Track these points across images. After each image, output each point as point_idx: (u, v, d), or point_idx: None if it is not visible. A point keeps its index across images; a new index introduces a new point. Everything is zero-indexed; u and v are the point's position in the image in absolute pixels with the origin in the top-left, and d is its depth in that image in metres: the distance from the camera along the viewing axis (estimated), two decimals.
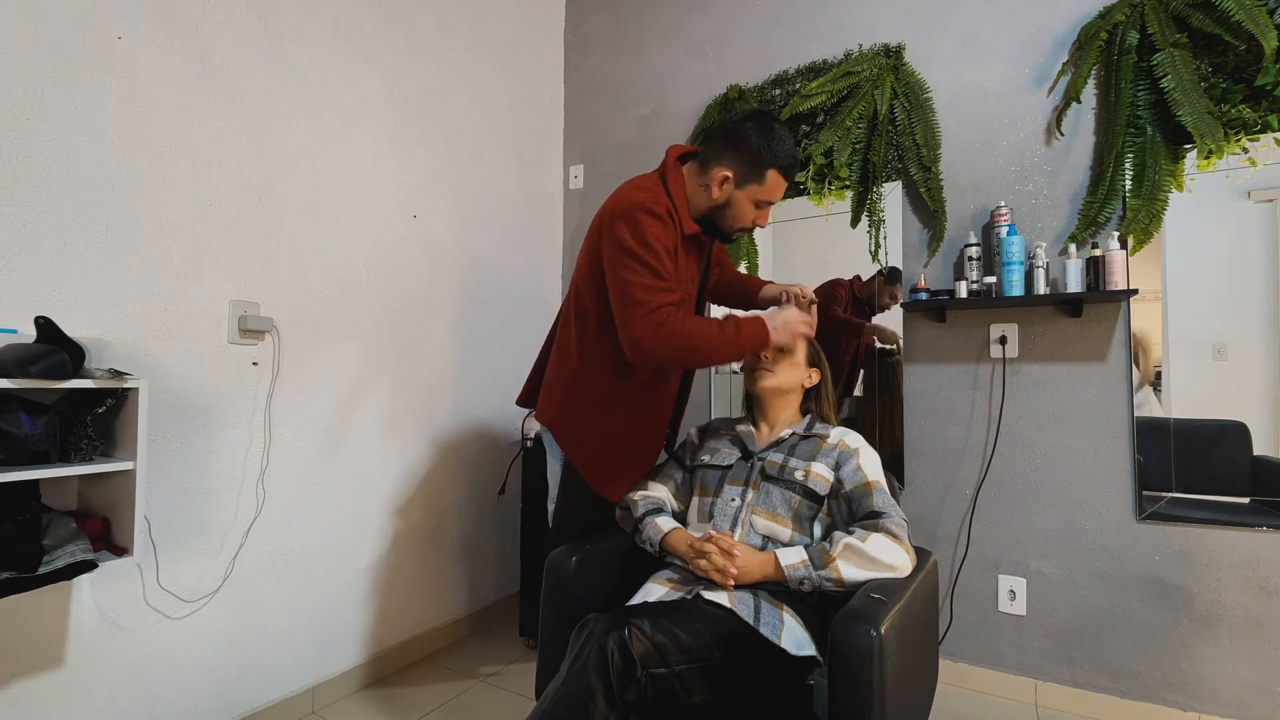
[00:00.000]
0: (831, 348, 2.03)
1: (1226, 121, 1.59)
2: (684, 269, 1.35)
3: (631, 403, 1.42)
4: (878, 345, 2.06)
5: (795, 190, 2.20)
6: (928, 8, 2.02)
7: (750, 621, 1.10)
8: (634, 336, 1.23)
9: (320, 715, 1.74)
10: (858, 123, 2.05)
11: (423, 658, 2.10)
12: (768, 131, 1.28)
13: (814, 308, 1.45)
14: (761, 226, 1.40)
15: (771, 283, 1.61)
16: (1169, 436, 1.69)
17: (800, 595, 1.19)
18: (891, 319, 2.04)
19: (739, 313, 1.41)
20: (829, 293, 2.14)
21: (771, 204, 1.36)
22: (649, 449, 1.49)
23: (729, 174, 1.31)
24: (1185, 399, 1.68)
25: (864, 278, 2.08)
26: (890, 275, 2.03)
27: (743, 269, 2.28)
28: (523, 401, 1.60)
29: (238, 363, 1.59)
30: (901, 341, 2.03)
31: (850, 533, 1.18)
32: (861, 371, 2.09)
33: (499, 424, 2.41)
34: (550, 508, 1.55)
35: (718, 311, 1.78)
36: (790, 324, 1.33)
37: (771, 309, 1.40)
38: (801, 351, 1.42)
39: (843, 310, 2.11)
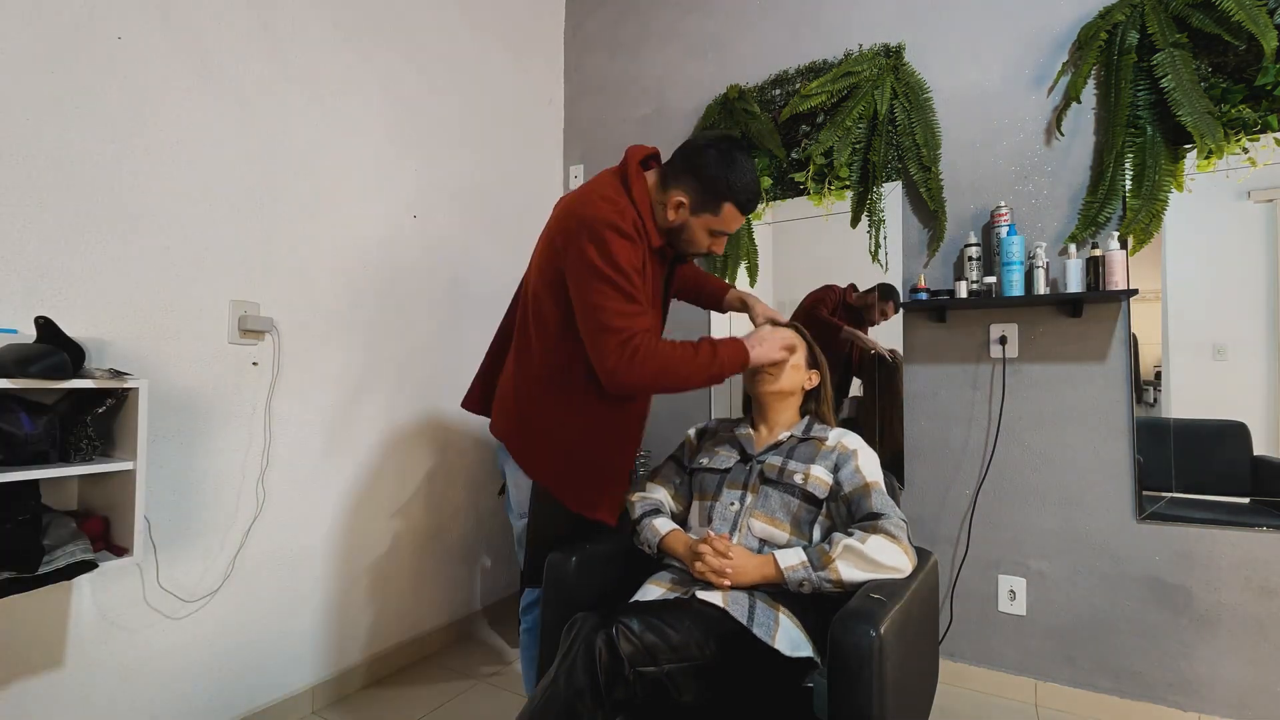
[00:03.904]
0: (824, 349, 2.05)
1: (1226, 121, 1.59)
2: (651, 283, 1.29)
3: (601, 415, 1.32)
4: (875, 353, 2.06)
5: (795, 190, 2.20)
6: (928, 8, 2.02)
7: (744, 622, 1.09)
8: (608, 366, 1.18)
9: (320, 715, 1.74)
10: (858, 123, 2.05)
11: (423, 658, 2.10)
12: (728, 162, 1.23)
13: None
14: (716, 254, 1.36)
15: (733, 288, 1.57)
16: (1169, 436, 1.69)
17: (799, 596, 1.18)
18: (885, 331, 2.04)
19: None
20: (817, 296, 2.14)
21: (727, 235, 1.31)
22: (625, 461, 1.41)
23: (684, 200, 1.26)
24: (1185, 399, 1.68)
25: (859, 287, 2.08)
26: (885, 291, 2.03)
27: (742, 268, 2.28)
28: (471, 406, 1.50)
29: (238, 363, 1.59)
30: (898, 349, 2.03)
31: (849, 534, 1.18)
32: (858, 378, 2.09)
33: None
34: (517, 524, 1.42)
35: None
36: (769, 348, 1.32)
37: (763, 330, 1.37)
38: (802, 354, 1.41)
39: (829, 313, 2.11)
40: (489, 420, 1.45)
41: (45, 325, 1.15)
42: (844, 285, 2.11)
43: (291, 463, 1.71)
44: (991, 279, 1.81)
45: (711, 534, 1.22)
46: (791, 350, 1.35)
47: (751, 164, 1.27)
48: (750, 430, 1.44)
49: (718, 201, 1.25)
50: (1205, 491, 1.66)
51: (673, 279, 1.46)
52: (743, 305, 1.53)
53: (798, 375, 1.40)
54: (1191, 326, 1.67)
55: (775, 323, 1.44)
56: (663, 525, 1.34)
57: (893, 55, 2.03)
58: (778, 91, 2.25)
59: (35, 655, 1.27)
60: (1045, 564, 1.83)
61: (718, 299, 1.59)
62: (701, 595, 1.15)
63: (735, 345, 1.27)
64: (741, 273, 2.29)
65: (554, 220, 1.31)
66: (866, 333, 2.06)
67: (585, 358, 1.24)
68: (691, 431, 1.54)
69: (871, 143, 2.04)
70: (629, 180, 1.28)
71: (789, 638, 1.11)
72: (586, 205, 1.22)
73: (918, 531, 1.97)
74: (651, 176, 1.31)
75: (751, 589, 1.18)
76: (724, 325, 2.33)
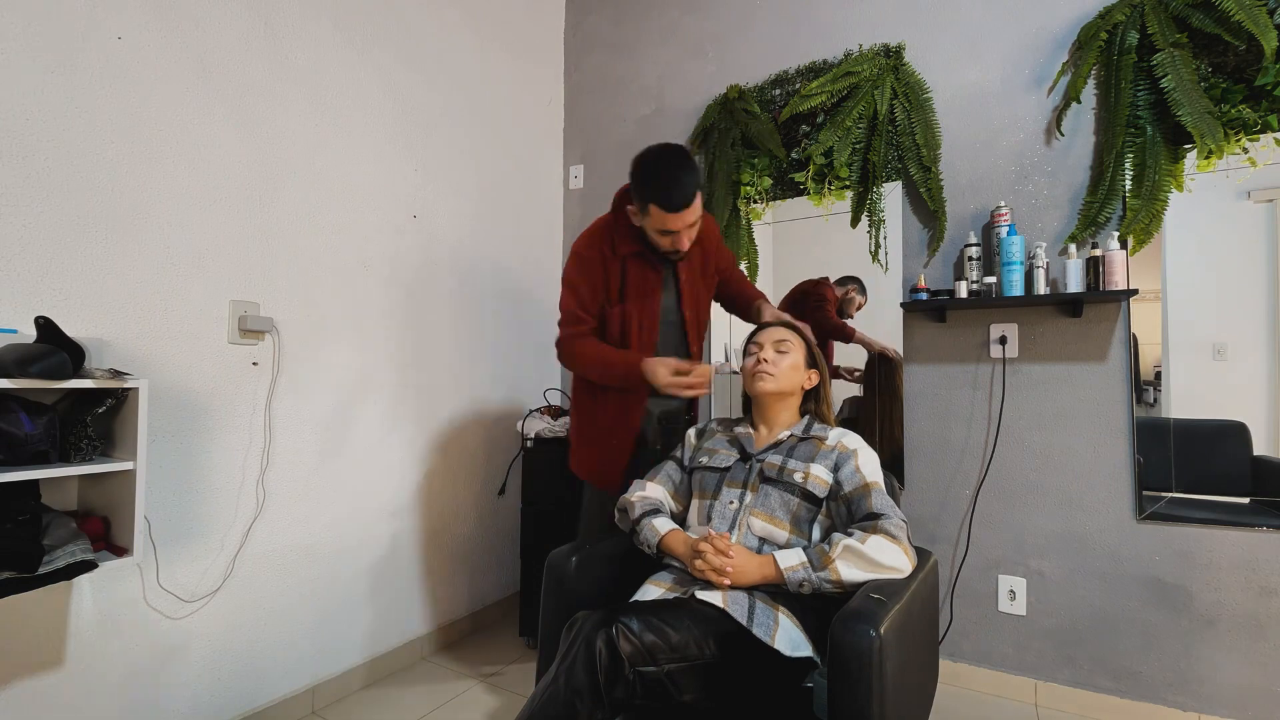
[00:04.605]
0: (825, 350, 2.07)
1: (1226, 121, 1.59)
2: (635, 281, 1.55)
3: (600, 400, 1.62)
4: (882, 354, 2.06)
5: (795, 190, 2.20)
6: (928, 8, 2.02)
7: (743, 622, 1.09)
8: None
9: (320, 715, 1.74)
10: (858, 123, 2.05)
11: (423, 658, 2.10)
12: (642, 167, 1.42)
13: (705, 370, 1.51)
14: (680, 249, 1.50)
15: (761, 299, 1.74)
16: (1169, 436, 1.69)
17: (798, 596, 1.18)
18: (886, 331, 2.04)
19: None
20: (820, 294, 2.14)
21: (672, 231, 1.45)
22: (623, 437, 1.62)
23: (634, 208, 1.48)
24: (1185, 399, 1.68)
25: (834, 280, 2.12)
26: (860, 285, 2.08)
27: (742, 267, 2.28)
28: None
29: (238, 363, 1.59)
30: (897, 349, 2.03)
31: (849, 534, 1.18)
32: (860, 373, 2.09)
33: (499, 424, 2.41)
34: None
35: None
36: (661, 380, 1.45)
37: (657, 360, 1.49)
38: (801, 354, 1.41)
39: (833, 311, 2.12)
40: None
41: (45, 325, 1.15)
42: (819, 278, 2.15)
43: (291, 463, 1.71)
44: (991, 279, 1.81)
45: (712, 533, 1.22)
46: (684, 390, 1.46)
47: (666, 164, 1.40)
48: (750, 429, 1.44)
49: (645, 204, 1.43)
50: (1205, 491, 1.66)
51: (679, 273, 1.61)
52: (759, 318, 1.70)
53: (796, 376, 1.40)
54: (1191, 326, 1.67)
55: (771, 322, 1.50)
56: (662, 525, 1.34)
57: (893, 55, 2.03)
58: (778, 91, 2.25)
59: (35, 655, 1.27)
60: (1045, 564, 1.83)
61: (747, 306, 1.78)
62: (701, 595, 1.15)
63: (632, 363, 1.49)
64: (744, 286, 2.28)
65: None
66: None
67: None
68: (691, 431, 1.54)
69: (871, 143, 2.04)
70: (616, 201, 1.57)
71: (789, 638, 1.11)
72: None
73: (918, 531, 1.97)
74: None
75: (751, 589, 1.18)
76: (723, 326, 2.33)
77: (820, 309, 2.14)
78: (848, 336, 2.09)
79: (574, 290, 1.56)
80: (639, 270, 1.56)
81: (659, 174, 1.41)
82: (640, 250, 1.54)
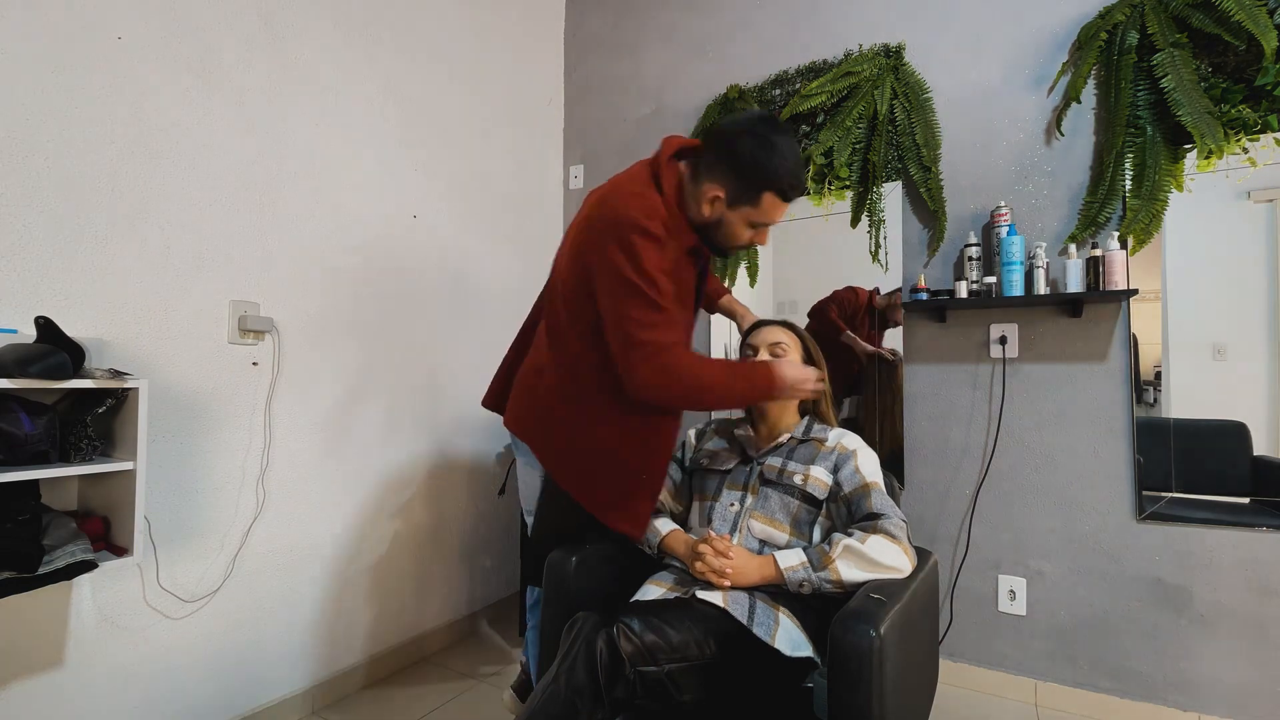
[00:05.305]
0: (837, 357, 2.05)
1: (1226, 121, 1.59)
2: (682, 283, 1.23)
3: (636, 421, 1.25)
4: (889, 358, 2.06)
5: None
6: (928, 8, 2.02)
7: (744, 622, 1.09)
8: (637, 380, 1.13)
9: (320, 715, 1.74)
10: (858, 123, 2.05)
11: (423, 658, 2.10)
12: (766, 147, 1.13)
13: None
14: (761, 244, 1.28)
15: (728, 294, 1.57)
16: (1169, 436, 1.69)
17: (799, 596, 1.18)
18: (887, 331, 2.04)
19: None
20: (841, 296, 2.13)
21: (769, 225, 1.23)
22: (656, 472, 1.32)
23: (720, 193, 1.17)
24: (1185, 399, 1.68)
25: (857, 287, 2.09)
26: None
27: (742, 269, 2.28)
28: (489, 404, 1.47)
29: (238, 363, 1.59)
30: (897, 349, 2.03)
31: (849, 534, 1.18)
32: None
33: (499, 424, 2.41)
34: (529, 520, 1.41)
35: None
36: (798, 385, 1.24)
37: (782, 361, 1.30)
38: (798, 355, 1.41)
39: (849, 320, 2.10)
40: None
41: (45, 325, 1.15)
42: (869, 288, 2.08)
43: (291, 463, 1.71)
44: (991, 279, 1.81)
45: (712, 534, 1.22)
46: (821, 384, 1.31)
47: (792, 145, 1.16)
48: (750, 431, 1.44)
49: (757, 192, 1.16)
50: (1205, 491, 1.66)
51: (705, 276, 1.38)
52: (731, 314, 1.58)
53: None
54: (1191, 326, 1.67)
55: (765, 321, 1.46)
56: (663, 525, 1.34)
57: (893, 55, 2.03)
58: (778, 91, 2.25)
59: (35, 655, 1.27)
60: (1045, 564, 1.83)
61: (710, 300, 1.58)
62: (702, 595, 1.15)
63: (765, 378, 1.22)
64: (741, 273, 2.29)
65: (583, 214, 1.24)
66: (883, 337, 2.05)
67: (605, 371, 1.21)
68: (691, 432, 1.54)
69: (871, 143, 2.04)
70: (659, 174, 1.19)
71: (789, 637, 1.11)
72: (616, 202, 1.16)
73: (918, 531, 1.97)
74: (684, 169, 1.23)
75: (751, 589, 1.18)
76: (724, 326, 2.33)
77: (826, 307, 2.13)
78: (837, 334, 2.08)
79: (654, 285, 1.12)
80: (686, 269, 1.25)
81: (789, 155, 1.14)
82: (697, 245, 1.23)
